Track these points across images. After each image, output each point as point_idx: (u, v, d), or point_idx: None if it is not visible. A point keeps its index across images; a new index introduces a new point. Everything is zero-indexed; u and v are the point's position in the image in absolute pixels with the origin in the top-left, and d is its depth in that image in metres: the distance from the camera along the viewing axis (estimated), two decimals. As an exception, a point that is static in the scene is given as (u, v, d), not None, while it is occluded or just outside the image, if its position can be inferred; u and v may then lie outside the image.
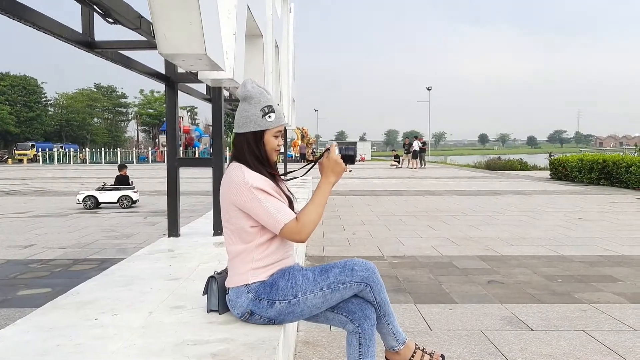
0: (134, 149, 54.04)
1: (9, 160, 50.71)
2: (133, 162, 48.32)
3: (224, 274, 2.42)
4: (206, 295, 2.45)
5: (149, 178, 23.87)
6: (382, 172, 28.68)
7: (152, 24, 2.59)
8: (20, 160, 51.14)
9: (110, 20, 2.38)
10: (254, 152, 2.28)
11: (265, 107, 2.28)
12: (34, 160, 51.51)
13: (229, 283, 2.32)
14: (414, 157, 31.68)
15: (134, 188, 11.73)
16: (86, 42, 2.77)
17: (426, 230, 8.25)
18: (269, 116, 2.28)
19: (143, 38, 2.91)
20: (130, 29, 2.58)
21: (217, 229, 4.57)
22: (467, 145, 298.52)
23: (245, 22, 4.14)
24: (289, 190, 2.48)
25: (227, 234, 2.29)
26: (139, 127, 74.71)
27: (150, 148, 55.26)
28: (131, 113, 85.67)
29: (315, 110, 79.57)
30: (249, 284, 2.25)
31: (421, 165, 31.44)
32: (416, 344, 2.49)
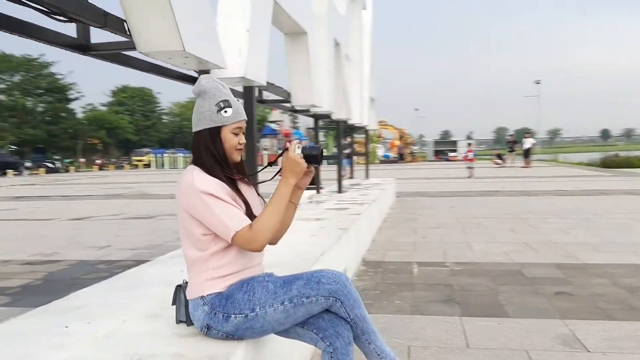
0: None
1: (127, 165, 54.82)
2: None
3: (192, 282, 2.27)
4: (175, 305, 2.31)
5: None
6: (481, 171, 27.37)
7: (125, 21, 2.52)
8: (137, 166, 55.06)
9: (61, 18, 2.32)
10: (210, 151, 2.11)
11: (220, 101, 2.11)
12: (149, 165, 55.18)
13: (187, 294, 2.17)
14: (526, 155, 29.91)
15: None
16: (80, 45, 2.77)
17: (505, 234, 7.63)
18: (225, 111, 2.11)
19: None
20: (95, 27, 2.53)
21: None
22: (586, 141, 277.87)
23: (268, 17, 3.99)
24: (258, 194, 2.29)
25: (182, 240, 2.14)
26: (243, 132, 77.57)
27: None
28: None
29: (416, 110, 78.07)
30: (204, 296, 2.09)
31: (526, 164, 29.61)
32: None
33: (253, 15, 3.56)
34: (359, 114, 10.03)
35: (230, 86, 4.24)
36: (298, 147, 2.19)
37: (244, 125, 2.18)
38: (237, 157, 2.19)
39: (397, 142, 46.60)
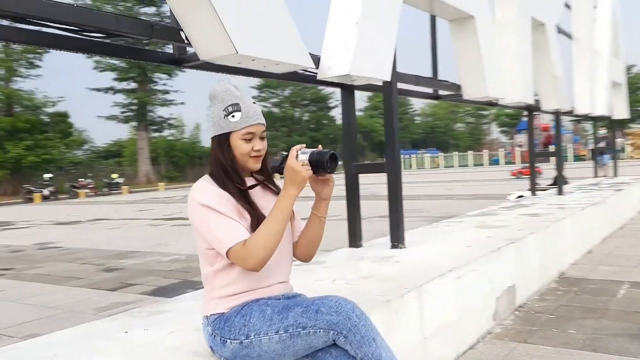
0: (485, 151, 53.79)
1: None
2: (482, 165, 48.29)
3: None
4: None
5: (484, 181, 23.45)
6: None
7: (180, 30, 2.51)
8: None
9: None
10: (219, 159, 1.95)
11: (229, 105, 1.93)
12: (399, 167, 56.32)
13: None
14: None
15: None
16: (176, 59, 2.89)
17: None
18: (232, 116, 1.92)
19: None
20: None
21: (395, 241, 4.11)
22: None
23: (393, 6, 3.60)
24: None
25: (199, 254, 2.03)
26: (498, 129, 74.33)
27: (503, 149, 54.21)
28: (490, 115, 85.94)
29: None
30: (208, 316, 1.94)
31: None
32: None
33: (364, 6, 3.26)
34: (588, 102, 8.56)
35: (365, 83, 4.00)
36: (303, 153, 1.88)
37: (258, 130, 1.95)
38: (253, 164, 1.98)
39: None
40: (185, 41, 2.52)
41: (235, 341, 1.83)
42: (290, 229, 2.08)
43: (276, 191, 2.09)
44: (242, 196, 1.93)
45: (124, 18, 2.29)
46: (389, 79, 3.62)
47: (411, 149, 67.34)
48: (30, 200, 28.37)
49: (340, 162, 2.39)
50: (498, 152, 52.24)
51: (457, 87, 5.09)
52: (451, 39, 4.95)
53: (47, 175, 30.69)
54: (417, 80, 4.47)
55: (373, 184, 25.50)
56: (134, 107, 44.30)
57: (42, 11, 2.02)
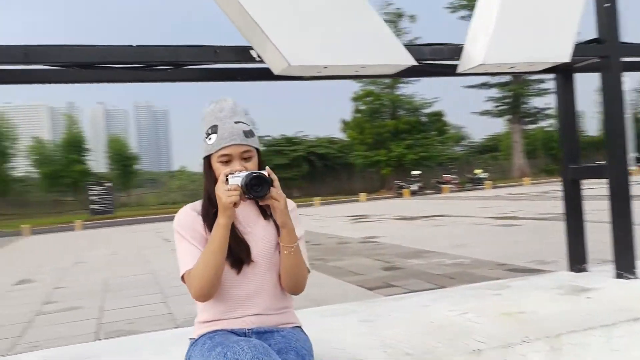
0: None
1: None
2: None
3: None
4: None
5: None
6: None
7: (250, 48, 2.49)
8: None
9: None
10: (204, 182, 1.95)
11: (208, 128, 1.91)
12: None
13: None
14: None
15: None
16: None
17: None
18: (209, 138, 1.89)
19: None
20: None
21: (621, 269, 3.06)
22: None
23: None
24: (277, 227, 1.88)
25: None
26: None
27: None
28: None
29: None
30: (189, 339, 1.95)
31: None
32: None
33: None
34: None
35: (528, 69, 2.97)
36: (236, 177, 1.71)
37: (234, 151, 1.84)
38: None
39: None
40: (257, 59, 2.52)
41: (183, 374, 1.82)
42: (278, 258, 1.90)
43: (267, 214, 1.93)
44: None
45: (183, 48, 2.43)
46: (567, 60, 2.73)
47: None
48: (401, 195, 31.30)
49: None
50: None
51: None
52: None
53: (414, 172, 33.26)
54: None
55: None
56: (507, 100, 43.91)
57: (105, 56, 2.36)
